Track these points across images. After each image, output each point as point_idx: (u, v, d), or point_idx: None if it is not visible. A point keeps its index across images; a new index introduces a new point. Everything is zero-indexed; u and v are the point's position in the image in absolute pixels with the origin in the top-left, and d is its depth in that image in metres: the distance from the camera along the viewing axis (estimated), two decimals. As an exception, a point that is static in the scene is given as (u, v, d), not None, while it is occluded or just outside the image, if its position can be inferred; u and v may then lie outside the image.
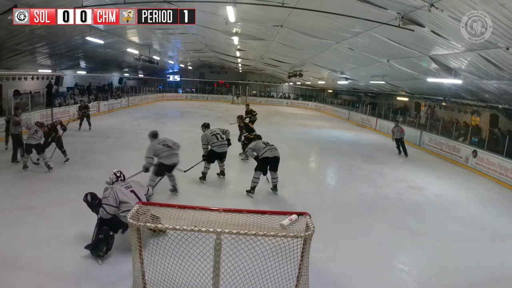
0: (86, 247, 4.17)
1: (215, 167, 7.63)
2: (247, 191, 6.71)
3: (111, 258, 4.19)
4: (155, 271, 3.22)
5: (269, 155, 6.59)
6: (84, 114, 13.37)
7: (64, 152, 8.49)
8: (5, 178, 7.00)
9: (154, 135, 6.36)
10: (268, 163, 6.63)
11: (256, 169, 6.67)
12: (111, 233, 4.21)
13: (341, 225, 5.71)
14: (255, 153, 6.81)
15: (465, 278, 4.35)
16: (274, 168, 6.74)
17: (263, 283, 3.19)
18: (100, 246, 4.09)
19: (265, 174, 6.80)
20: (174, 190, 6.44)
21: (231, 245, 2.93)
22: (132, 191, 4.31)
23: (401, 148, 11.89)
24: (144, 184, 4.73)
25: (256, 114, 12.66)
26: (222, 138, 7.35)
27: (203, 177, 7.37)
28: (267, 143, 6.87)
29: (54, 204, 5.80)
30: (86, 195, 4.40)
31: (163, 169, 6.22)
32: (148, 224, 3.00)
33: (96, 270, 3.95)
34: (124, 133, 13.04)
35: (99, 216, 4.26)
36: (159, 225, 3.00)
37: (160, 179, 6.37)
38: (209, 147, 7.31)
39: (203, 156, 7.41)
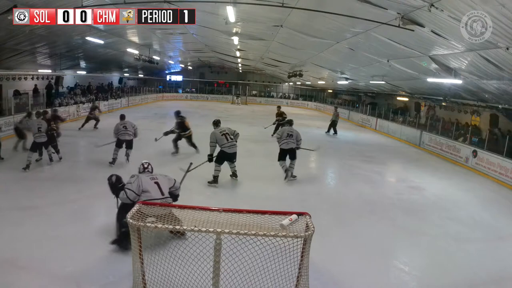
0: (113, 243, 4.25)
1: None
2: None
3: (111, 258, 4.18)
4: (155, 271, 3.22)
5: (285, 147, 7.56)
6: (92, 116, 13.16)
7: (55, 147, 8.20)
8: (5, 177, 7.00)
9: (122, 117, 8.76)
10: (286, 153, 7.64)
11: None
12: None
13: (341, 225, 5.71)
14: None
15: (465, 278, 4.35)
16: (292, 156, 7.65)
17: (263, 283, 3.19)
18: (125, 239, 4.08)
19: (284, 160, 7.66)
20: (127, 159, 8.36)
21: (231, 245, 2.93)
22: (156, 183, 4.38)
23: (332, 127, 15.28)
24: (172, 177, 4.74)
25: (286, 117, 13.33)
26: (232, 139, 7.09)
27: (215, 180, 7.04)
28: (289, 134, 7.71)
29: (54, 204, 5.80)
30: (111, 176, 4.55)
31: (120, 143, 8.26)
32: (148, 224, 3.00)
33: (96, 270, 3.94)
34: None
35: (118, 200, 4.37)
36: (159, 225, 3.00)
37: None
38: (218, 147, 7.05)
39: (208, 155, 7.07)
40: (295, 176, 7.74)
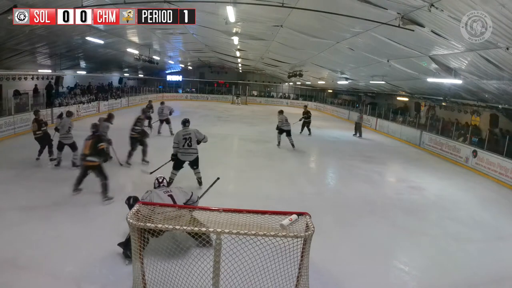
0: (119, 244, 4.24)
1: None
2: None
3: (111, 258, 4.19)
4: (155, 271, 3.22)
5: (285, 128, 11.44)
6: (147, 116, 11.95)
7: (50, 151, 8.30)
8: (6, 177, 7.00)
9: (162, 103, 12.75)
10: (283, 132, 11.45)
11: None
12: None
13: (341, 225, 5.71)
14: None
15: (465, 278, 4.35)
16: (288, 134, 11.37)
17: (263, 283, 3.19)
18: (130, 246, 4.02)
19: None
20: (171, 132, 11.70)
21: (231, 245, 2.93)
22: (170, 195, 4.37)
23: (357, 130, 15.63)
24: (189, 191, 4.71)
25: (310, 116, 14.90)
26: (189, 146, 6.68)
27: (170, 182, 6.59)
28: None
29: (54, 204, 5.80)
30: (129, 199, 4.50)
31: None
32: (148, 224, 3.00)
33: (96, 270, 3.95)
34: (124, 132, 13.02)
35: None
36: (159, 225, 3.00)
37: None
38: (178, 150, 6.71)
39: (172, 155, 6.79)
40: (293, 146, 11.23)
